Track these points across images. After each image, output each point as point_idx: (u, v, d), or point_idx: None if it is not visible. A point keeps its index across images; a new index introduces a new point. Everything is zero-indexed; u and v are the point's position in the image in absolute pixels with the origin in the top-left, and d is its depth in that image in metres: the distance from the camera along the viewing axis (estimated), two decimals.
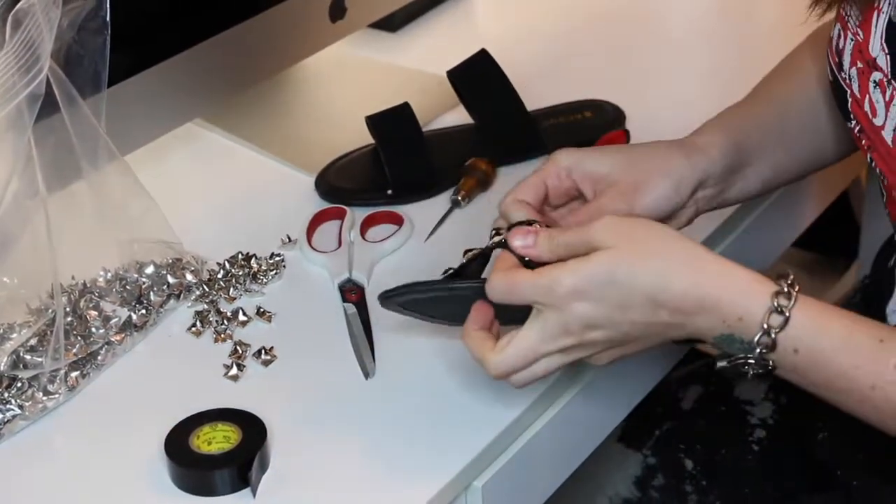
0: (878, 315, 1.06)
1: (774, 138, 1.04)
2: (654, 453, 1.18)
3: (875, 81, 0.91)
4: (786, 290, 0.83)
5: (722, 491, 1.16)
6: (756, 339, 0.83)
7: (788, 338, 0.83)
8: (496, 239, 0.90)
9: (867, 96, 0.93)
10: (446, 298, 0.89)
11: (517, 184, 0.96)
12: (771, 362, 0.84)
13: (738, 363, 0.85)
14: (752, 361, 0.85)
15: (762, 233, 1.18)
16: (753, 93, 1.07)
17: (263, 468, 0.90)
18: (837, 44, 0.97)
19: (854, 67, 0.94)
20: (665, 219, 0.97)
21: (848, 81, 0.95)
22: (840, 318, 0.84)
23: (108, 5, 0.96)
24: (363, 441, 0.92)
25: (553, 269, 0.84)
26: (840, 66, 0.96)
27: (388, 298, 0.90)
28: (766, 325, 0.83)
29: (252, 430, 0.91)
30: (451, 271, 0.93)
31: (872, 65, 0.92)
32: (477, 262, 0.92)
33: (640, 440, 1.19)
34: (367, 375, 0.98)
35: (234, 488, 0.89)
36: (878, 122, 0.92)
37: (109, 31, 0.97)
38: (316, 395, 0.96)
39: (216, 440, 0.91)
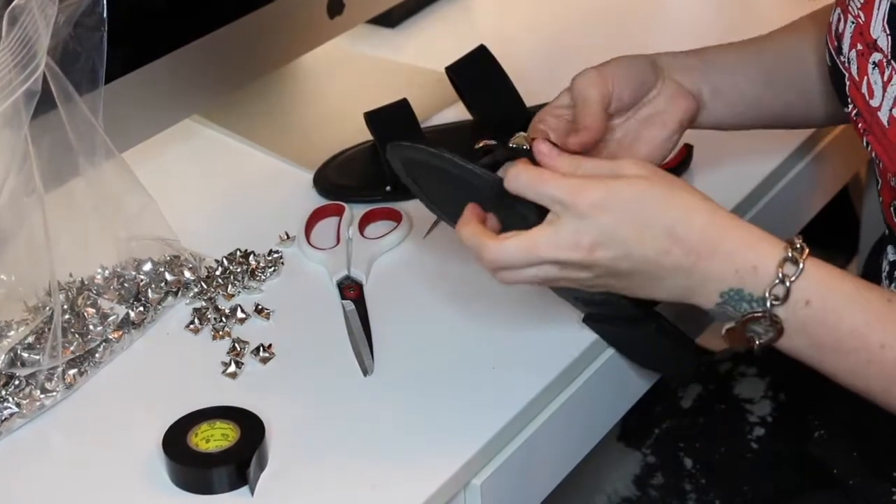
0: None
1: (754, 68, 1.05)
2: (654, 452, 1.18)
3: (874, 62, 0.91)
4: (798, 245, 0.83)
5: (721, 489, 1.16)
6: (769, 289, 0.83)
7: (801, 288, 0.83)
8: (518, 140, 0.87)
9: (865, 78, 0.93)
10: (453, 178, 0.85)
11: (543, 109, 0.96)
12: (780, 321, 0.84)
13: (748, 321, 0.84)
14: (759, 315, 0.84)
15: (763, 227, 1.18)
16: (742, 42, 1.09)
17: (262, 466, 0.90)
18: (837, 28, 0.97)
19: (854, 50, 0.94)
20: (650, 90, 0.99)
21: (847, 65, 0.95)
22: (849, 278, 0.85)
23: (104, 2, 0.96)
24: (362, 438, 0.92)
25: (584, 178, 0.83)
26: (839, 49, 0.96)
27: (396, 148, 0.86)
28: (781, 274, 0.83)
29: (250, 427, 0.91)
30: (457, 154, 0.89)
31: (873, 46, 0.92)
32: (487, 158, 0.89)
33: (639, 439, 1.19)
34: (365, 372, 0.98)
35: (233, 486, 0.89)
36: (874, 103, 0.92)
37: (106, 28, 0.97)
38: (314, 393, 0.96)
39: (214, 438, 0.91)
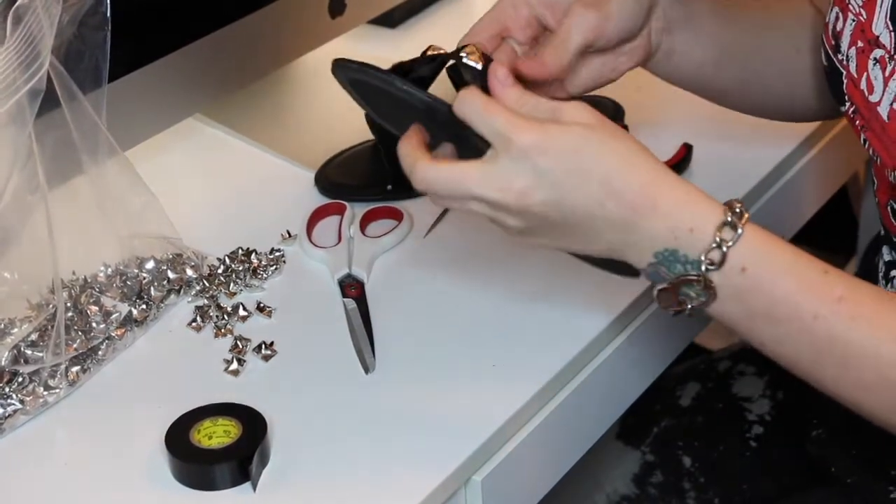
0: None
1: (736, 36, 1.03)
2: (653, 450, 1.18)
3: (875, 59, 0.92)
4: (738, 209, 0.81)
5: (720, 488, 1.16)
6: (705, 254, 0.80)
7: (738, 254, 0.80)
8: (471, 53, 0.84)
9: (865, 74, 0.93)
10: (396, 99, 0.82)
11: (473, 25, 0.92)
12: (714, 287, 0.81)
13: (680, 284, 0.81)
14: (693, 278, 0.80)
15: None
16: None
17: (264, 462, 0.90)
18: (834, 27, 0.97)
19: (853, 48, 0.94)
20: (625, 42, 0.95)
21: (845, 63, 0.96)
22: (787, 246, 0.82)
23: (108, 1, 0.96)
24: (363, 435, 0.93)
25: (525, 118, 0.79)
26: (837, 48, 0.97)
27: (340, 67, 0.83)
28: (718, 239, 0.80)
29: (252, 424, 0.91)
30: (401, 64, 0.86)
31: (874, 43, 0.92)
32: (430, 68, 0.86)
33: (638, 437, 1.19)
34: (366, 370, 0.98)
35: (235, 482, 0.89)
36: (874, 98, 0.92)
37: (110, 27, 0.97)
38: (316, 390, 0.97)
39: (216, 434, 0.91)
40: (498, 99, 0.81)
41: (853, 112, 0.96)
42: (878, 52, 0.92)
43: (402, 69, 0.89)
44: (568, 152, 0.79)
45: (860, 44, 0.94)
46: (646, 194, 0.80)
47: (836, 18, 0.97)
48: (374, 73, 0.82)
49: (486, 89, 0.82)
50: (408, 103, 0.82)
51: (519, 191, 0.79)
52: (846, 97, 0.97)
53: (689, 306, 0.82)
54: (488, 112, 0.80)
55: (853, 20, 0.95)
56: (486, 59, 0.87)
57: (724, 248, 0.80)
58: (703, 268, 0.80)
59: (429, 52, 0.87)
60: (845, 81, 0.96)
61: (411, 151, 0.82)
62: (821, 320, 0.81)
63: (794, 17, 1.07)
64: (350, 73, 0.83)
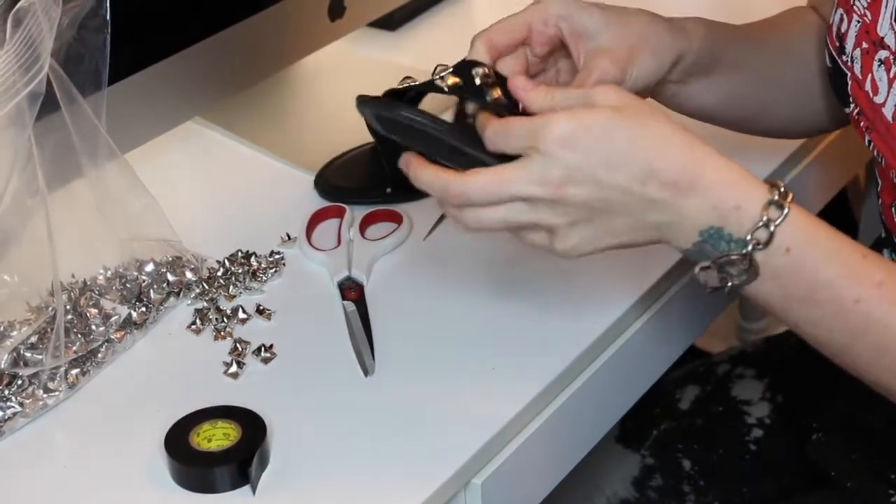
0: None
1: (749, 65, 1.02)
2: (652, 454, 1.18)
3: (880, 60, 0.92)
4: (782, 188, 0.80)
5: (719, 491, 1.16)
6: (752, 232, 0.79)
7: (784, 234, 0.79)
8: (480, 73, 0.84)
9: (870, 75, 0.93)
10: (424, 134, 0.82)
11: (496, 22, 0.91)
12: (757, 266, 0.80)
13: (722, 263, 0.80)
14: (736, 259, 0.80)
15: None
16: (754, 23, 1.06)
17: (263, 465, 0.90)
18: (839, 28, 0.97)
19: (858, 49, 0.94)
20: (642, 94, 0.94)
21: (849, 64, 0.96)
22: (828, 227, 0.82)
23: (108, 4, 0.96)
24: (362, 438, 0.93)
25: (549, 112, 0.79)
26: (841, 49, 0.97)
27: (365, 104, 0.84)
28: (765, 217, 0.79)
29: (252, 427, 0.91)
30: (412, 84, 0.86)
31: (879, 44, 0.92)
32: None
33: (637, 440, 1.19)
34: (366, 373, 0.98)
35: (234, 485, 0.89)
36: (878, 99, 0.92)
37: (109, 30, 0.97)
38: (315, 393, 0.97)
39: (216, 437, 0.91)
40: (527, 104, 0.82)
41: (857, 113, 0.96)
42: (882, 53, 0.92)
43: (416, 93, 0.88)
44: (599, 139, 0.78)
45: (865, 45, 0.94)
46: (687, 171, 0.79)
47: (841, 20, 0.97)
48: (400, 113, 0.83)
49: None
50: (435, 137, 0.83)
51: (558, 181, 0.78)
52: (850, 98, 0.97)
53: (730, 284, 0.82)
54: (508, 131, 0.80)
55: (858, 21, 0.95)
56: (498, 78, 0.86)
57: (772, 228, 0.79)
58: (750, 247, 0.80)
59: (441, 76, 0.86)
60: (850, 83, 0.96)
61: (436, 176, 0.82)
62: (861, 304, 0.81)
63: (803, 36, 1.06)
64: (376, 110, 0.84)
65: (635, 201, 0.80)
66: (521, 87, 0.82)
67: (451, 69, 0.86)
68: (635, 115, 0.79)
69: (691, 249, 0.82)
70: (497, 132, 0.80)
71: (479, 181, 0.80)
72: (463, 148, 0.82)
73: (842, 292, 0.81)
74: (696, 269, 0.83)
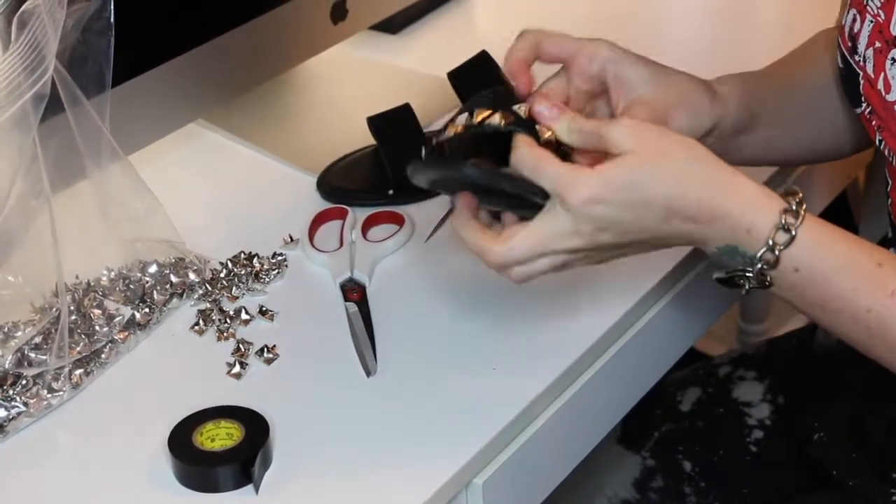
0: None
1: (787, 113, 1.04)
2: (653, 455, 1.19)
3: (893, 58, 0.92)
4: (794, 207, 0.84)
5: (720, 492, 1.17)
6: (760, 254, 0.84)
7: (791, 256, 0.84)
8: (518, 110, 0.86)
9: (882, 74, 0.93)
10: (476, 186, 0.86)
11: (551, 31, 0.94)
12: (769, 278, 0.85)
13: (736, 275, 0.86)
14: (750, 275, 0.85)
15: None
16: (770, 68, 1.07)
17: (266, 465, 0.90)
18: (851, 29, 0.97)
19: (871, 48, 0.95)
20: None
21: (861, 64, 0.96)
22: (842, 240, 0.85)
23: (112, 6, 0.97)
24: (364, 438, 0.93)
25: (578, 168, 0.83)
26: (853, 50, 0.97)
27: (423, 170, 0.88)
28: (771, 242, 0.83)
29: (255, 427, 0.91)
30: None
31: (892, 42, 0.93)
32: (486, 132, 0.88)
33: (638, 442, 1.20)
34: (368, 373, 0.98)
35: (237, 485, 0.89)
36: (891, 97, 0.93)
37: (113, 32, 0.97)
38: (318, 393, 0.97)
39: (219, 437, 0.91)
40: (551, 127, 0.86)
41: (869, 113, 0.97)
42: (895, 52, 0.93)
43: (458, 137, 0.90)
44: (623, 193, 0.83)
45: (878, 44, 0.94)
46: (703, 208, 0.84)
47: (854, 20, 0.98)
48: (465, 173, 0.86)
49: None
50: (483, 186, 0.87)
51: (590, 233, 0.84)
52: (862, 98, 0.97)
53: (747, 287, 0.87)
54: (538, 171, 0.83)
55: (871, 21, 0.95)
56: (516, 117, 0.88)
57: (777, 252, 0.84)
58: (759, 265, 0.84)
59: (480, 121, 0.88)
60: (861, 82, 0.97)
61: (476, 240, 0.87)
62: (873, 314, 0.85)
63: (825, 55, 1.07)
64: (439, 173, 0.88)
65: (660, 234, 0.86)
66: (548, 115, 0.86)
67: (463, 112, 0.89)
68: (651, 157, 0.83)
69: (710, 257, 0.87)
70: (529, 169, 0.84)
71: (518, 246, 0.85)
72: (506, 191, 0.86)
73: (853, 303, 0.85)
74: (714, 277, 0.88)
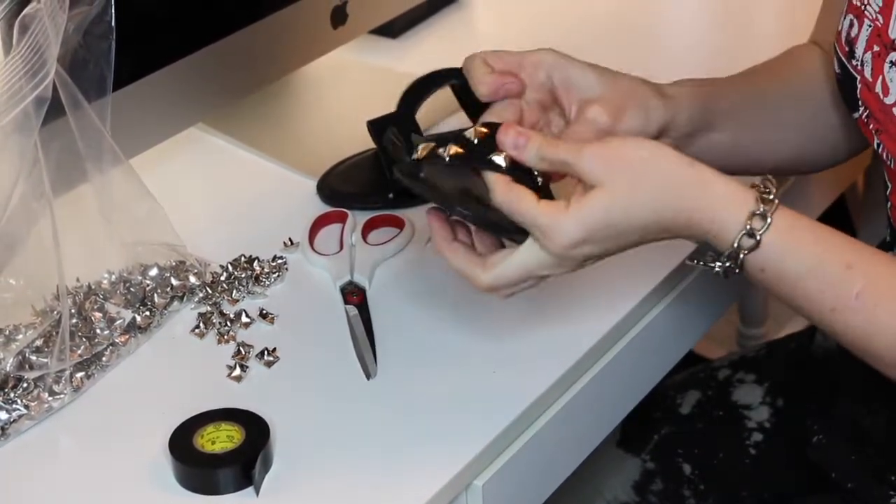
0: None
1: (751, 117, 1.04)
2: (653, 458, 1.19)
3: (891, 62, 0.93)
4: (761, 210, 0.85)
5: (720, 495, 1.17)
6: (726, 253, 0.86)
7: (757, 259, 0.86)
8: (475, 129, 0.87)
9: (880, 77, 0.94)
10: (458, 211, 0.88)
11: (492, 50, 0.94)
12: (738, 273, 0.87)
13: (707, 267, 0.88)
14: (718, 271, 0.87)
15: None
16: (735, 75, 1.07)
17: (266, 467, 0.91)
18: (848, 34, 0.98)
19: (869, 52, 0.95)
20: None
21: (859, 68, 0.97)
22: (811, 243, 0.87)
23: (113, 10, 0.97)
24: (364, 440, 0.93)
25: (555, 211, 0.84)
26: (850, 54, 0.98)
27: (408, 176, 0.89)
28: (735, 245, 0.85)
29: (255, 429, 0.92)
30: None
31: (890, 46, 0.93)
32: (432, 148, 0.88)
33: (638, 445, 1.20)
34: (368, 376, 0.99)
35: (238, 487, 0.90)
36: (889, 100, 0.93)
37: (115, 36, 0.98)
38: (318, 396, 0.97)
39: (220, 440, 0.92)
40: (519, 159, 0.86)
41: (867, 117, 0.97)
42: (894, 55, 0.93)
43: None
44: (601, 230, 0.85)
45: (876, 48, 0.95)
46: (678, 222, 0.86)
47: (851, 25, 0.98)
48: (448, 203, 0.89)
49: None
50: (467, 214, 0.89)
51: (571, 264, 0.87)
52: (860, 102, 0.97)
53: (719, 273, 0.89)
54: (517, 208, 0.85)
55: (869, 25, 0.96)
56: (492, 128, 0.88)
57: (741, 255, 0.86)
58: (728, 264, 0.87)
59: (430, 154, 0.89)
60: (859, 87, 0.97)
61: (465, 266, 0.89)
62: (837, 314, 0.87)
63: (804, 73, 1.07)
64: (417, 190, 0.90)
65: (640, 244, 0.89)
66: (513, 146, 0.86)
67: (457, 135, 0.89)
68: (622, 191, 0.85)
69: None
70: (506, 204, 0.85)
71: (504, 276, 0.87)
72: (490, 223, 0.88)
73: (819, 304, 0.87)
74: (687, 261, 0.91)
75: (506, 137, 0.86)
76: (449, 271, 1.09)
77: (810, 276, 0.86)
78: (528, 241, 0.86)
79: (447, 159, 0.87)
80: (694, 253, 0.89)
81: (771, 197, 0.85)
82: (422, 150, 0.88)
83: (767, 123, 1.05)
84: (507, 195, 0.85)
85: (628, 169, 0.85)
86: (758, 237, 0.85)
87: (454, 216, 0.90)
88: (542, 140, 0.86)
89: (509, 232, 0.88)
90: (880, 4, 0.95)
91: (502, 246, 0.90)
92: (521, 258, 0.87)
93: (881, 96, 0.94)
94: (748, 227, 0.85)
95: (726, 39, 1.46)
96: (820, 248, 0.86)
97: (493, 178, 0.86)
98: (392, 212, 1.16)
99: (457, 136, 0.87)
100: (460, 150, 0.87)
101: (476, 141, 0.87)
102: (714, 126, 1.01)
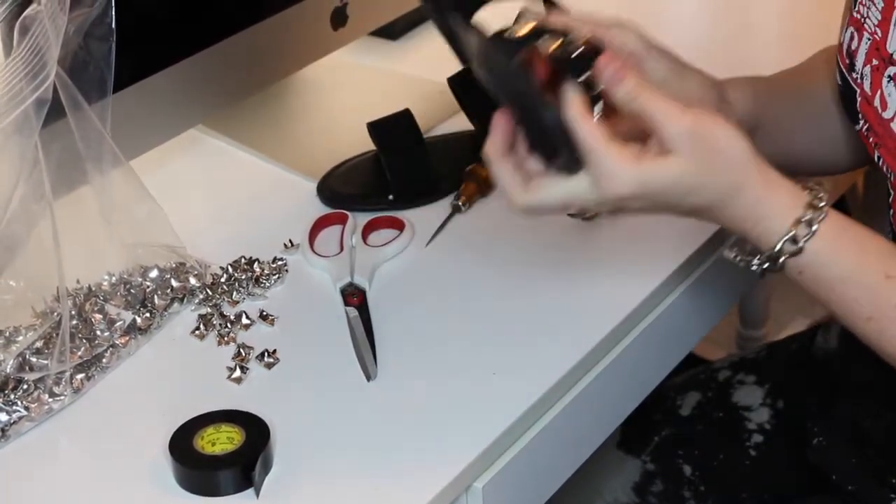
0: None
1: (788, 123, 1.05)
2: (653, 459, 1.19)
3: (889, 76, 0.93)
4: (808, 217, 0.85)
5: (720, 496, 1.17)
6: (766, 255, 0.87)
7: (797, 263, 0.86)
8: (579, 48, 0.83)
9: (879, 91, 0.94)
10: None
11: (578, 12, 0.92)
12: (775, 271, 0.88)
13: (743, 262, 0.88)
14: (755, 268, 0.88)
15: None
16: (779, 76, 1.08)
17: (267, 469, 0.91)
18: (849, 46, 0.98)
19: (868, 66, 0.95)
20: None
21: (859, 81, 0.97)
22: (853, 251, 0.87)
23: (113, 12, 0.97)
24: (365, 442, 0.93)
25: (621, 158, 0.83)
26: (851, 67, 0.98)
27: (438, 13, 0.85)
28: (777, 249, 0.86)
29: (255, 431, 0.92)
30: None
31: (889, 60, 0.93)
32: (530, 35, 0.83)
33: (638, 446, 1.20)
34: (368, 378, 0.99)
35: (238, 489, 0.90)
36: (887, 115, 0.93)
37: (115, 38, 0.98)
38: (318, 397, 0.97)
39: (220, 441, 0.92)
40: (609, 92, 0.84)
41: (867, 130, 0.97)
42: (892, 70, 0.93)
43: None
44: (656, 195, 0.85)
45: (875, 62, 0.95)
46: (726, 215, 0.87)
47: (851, 38, 0.98)
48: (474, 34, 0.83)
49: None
50: (523, 97, 0.84)
51: (610, 209, 0.87)
52: (860, 115, 0.98)
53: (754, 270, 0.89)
54: (585, 144, 0.83)
55: (868, 39, 0.96)
56: (592, 49, 0.85)
57: (782, 259, 0.86)
58: (766, 264, 0.87)
59: (545, 37, 0.84)
60: (859, 99, 0.97)
61: (508, 180, 0.86)
62: (873, 322, 0.87)
63: (830, 78, 1.07)
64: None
65: (678, 216, 0.88)
66: (611, 77, 0.84)
67: (554, 35, 0.85)
68: (698, 168, 0.84)
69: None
70: (580, 129, 0.83)
71: (543, 203, 0.86)
72: (545, 130, 0.84)
73: (854, 312, 0.87)
74: (724, 254, 0.91)
75: (606, 67, 0.85)
76: (448, 273, 1.10)
77: (848, 283, 0.86)
78: (581, 175, 0.84)
79: (549, 51, 0.83)
80: (733, 245, 0.89)
81: (821, 205, 0.86)
82: (523, 26, 0.83)
83: (802, 131, 1.08)
84: (585, 120, 0.83)
85: (710, 152, 0.85)
86: (800, 244, 0.86)
87: (523, 123, 0.85)
88: (641, 85, 0.84)
89: (562, 157, 0.84)
90: (879, 18, 0.95)
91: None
92: (566, 189, 0.85)
93: (879, 110, 0.94)
94: (792, 232, 0.85)
95: (728, 37, 1.46)
96: (862, 256, 0.87)
97: (576, 97, 0.83)
98: (392, 213, 1.16)
99: (559, 36, 0.84)
100: (558, 49, 0.83)
101: (573, 51, 0.84)
102: (752, 136, 1.02)
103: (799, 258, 0.86)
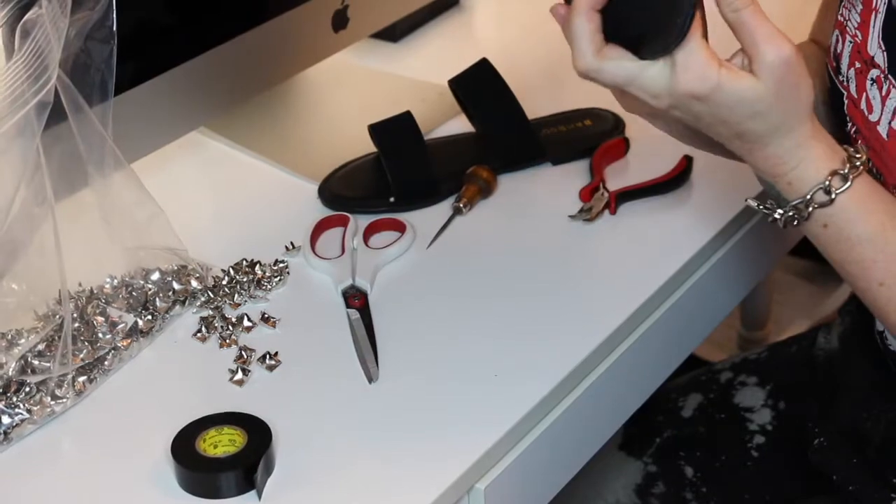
0: (871, 321, 1.07)
1: None
2: (655, 461, 1.19)
3: (872, 79, 0.93)
4: (845, 171, 0.87)
5: (721, 497, 1.17)
6: (793, 203, 0.88)
7: (824, 215, 0.88)
8: None
9: (864, 94, 0.94)
10: None
11: None
12: (797, 223, 0.89)
13: (766, 212, 0.90)
14: (778, 218, 0.89)
15: (760, 240, 1.20)
16: None
17: (268, 471, 0.91)
18: (835, 49, 0.98)
19: (852, 69, 0.96)
20: None
21: (845, 84, 0.97)
22: (881, 212, 0.88)
23: (114, 16, 0.97)
24: (366, 444, 0.93)
25: (708, 61, 0.84)
26: (837, 69, 0.98)
27: None
28: (809, 197, 0.87)
29: (257, 433, 0.92)
30: None
31: (870, 63, 0.93)
32: None
33: (640, 448, 1.20)
34: (370, 380, 0.99)
35: (240, 491, 0.90)
36: (873, 118, 0.94)
37: (116, 41, 0.98)
38: (320, 399, 0.97)
39: (222, 443, 0.92)
40: (723, 8, 0.85)
41: (855, 132, 0.97)
42: (874, 73, 0.93)
43: None
44: (723, 106, 0.85)
45: (858, 64, 0.95)
46: (769, 152, 0.87)
47: (837, 41, 0.98)
48: None
49: None
50: None
51: (666, 106, 0.86)
52: (848, 118, 0.98)
53: (776, 221, 0.90)
54: (690, 34, 0.83)
55: (851, 42, 0.96)
56: None
57: (811, 208, 0.88)
58: (790, 213, 0.88)
59: None
60: (846, 102, 0.97)
61: (582, 38, 0.86)
62: (885, 288, 0.89)
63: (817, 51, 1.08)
64: None
65: (718, 139, 0.89)
66: None
67: None
68: (774, 98, 0.85)
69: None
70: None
71: (607, 73, 0.86)
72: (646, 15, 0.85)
73: (869, 273, 0.89)
74: (747, 202, 0.93)
75: None
76: (450, 275, 1.10)
77: (870, 244, 0.88)
78: (661, 61, 0.84)
79: None
80: (757, 197, 0.90)
81: (858, 164, 0.88)
82: None
83: None
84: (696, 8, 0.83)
85: (791, 87, 0.85)
86: (833, 195, 0.87)
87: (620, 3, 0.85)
88: (753, 3, 0.85)
89: (660, 36, 0.84)
90: (859, 20, 0.95)
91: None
92: (640, 67, 0.85)
93: (865, 113, 0.95)
94: (827, 182, 0.87)
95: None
96: (889, 220, 0.88)
97: None
98: (393, 215, 1.16)
99: None
100: None
101: None
102: None
103: (827, 209, 0.87)
